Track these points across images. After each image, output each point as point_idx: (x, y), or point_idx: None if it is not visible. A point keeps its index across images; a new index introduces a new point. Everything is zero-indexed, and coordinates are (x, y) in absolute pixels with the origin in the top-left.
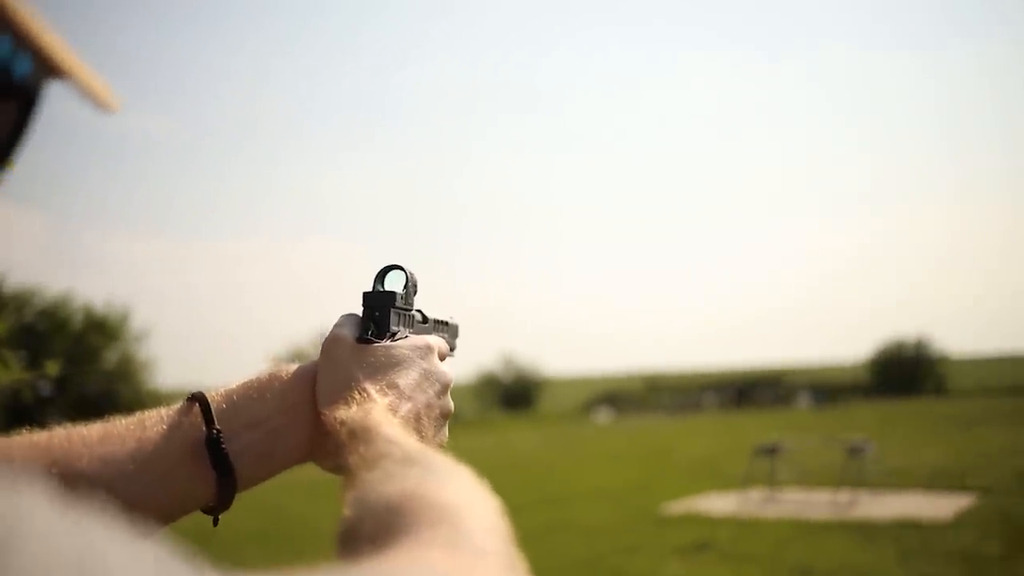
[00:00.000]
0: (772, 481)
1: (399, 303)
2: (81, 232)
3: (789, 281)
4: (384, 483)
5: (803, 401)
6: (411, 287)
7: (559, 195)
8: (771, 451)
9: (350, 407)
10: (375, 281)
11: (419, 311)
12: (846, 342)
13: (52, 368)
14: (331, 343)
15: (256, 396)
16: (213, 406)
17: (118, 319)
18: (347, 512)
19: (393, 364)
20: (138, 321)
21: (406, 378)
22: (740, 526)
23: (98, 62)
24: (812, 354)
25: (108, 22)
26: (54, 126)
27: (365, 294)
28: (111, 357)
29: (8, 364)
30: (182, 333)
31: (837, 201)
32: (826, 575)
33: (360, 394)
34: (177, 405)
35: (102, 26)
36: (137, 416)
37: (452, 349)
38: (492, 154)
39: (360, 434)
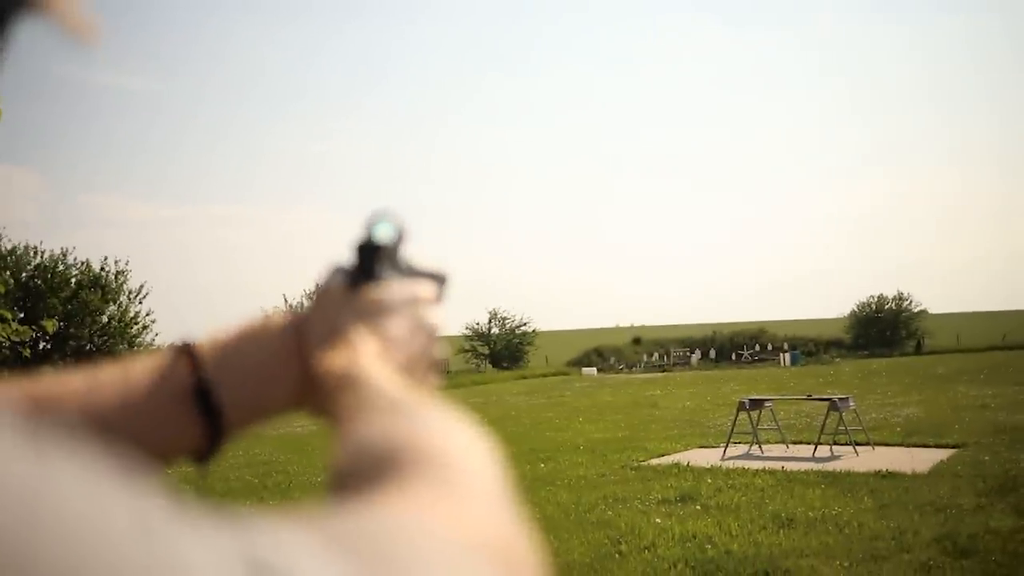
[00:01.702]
0: (754, 436)
1: (387, 252)
2: (78, 193)
3: (777, 243)
4: (373, 429)
5: (785, 358)
6: (400, 236)
7: (548, 156)
8: (754, 406)
9: (339, 354)
10: (365, 230)
11: (407, 260)
12: (833, 305)
13: (50, 325)
14: (322, 292)
15: (247, 344)
16: (203, 354)
17: (114, 278)
18: (336, 460)
19: (382, 311)
20: (134, 280)
21: (396, 326)
22: (723, 478)
23: (108, 29)
24: (793, 312)
25: None
26: (51, 87)
27: (356, 244)
28: (107, 315)
29: (6, 320)
30: (177, 292)
31: (830, 165)
32: (806, 525)
33: (349, 341)
34: (166, 353)
35: None
36: (124, 365)
37: (440, 299)
38: (479, 118)
39: (348, 382)
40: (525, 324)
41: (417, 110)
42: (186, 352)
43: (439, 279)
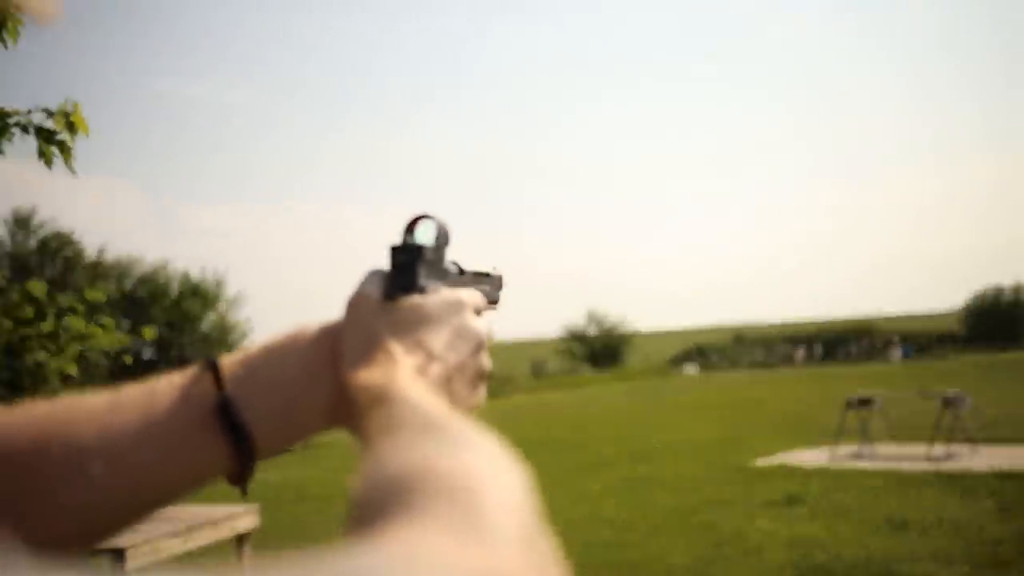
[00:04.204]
0: (864, 435)
1: (428, 256)
2: (177, 202)
3: (879, 230)
4: (398, 452)
5: (895, 353)
6: (442, 238)
7: (642, 150)
8: (863, 404)
9: (373, 369)
10: (404, 233)
11: (454, 263)
12: (939, 291)
13: (149, 333)
14: (356, 300)
15: (275, 359)
16: (228, 371)
17: (213, 285)
18: (358, 484)
19: (421, 321)
20: (233, 287)
21: (436, 337)
22: (832, 480)
23: (177, 37)
24: (903, 305)
25: (192, 4)
26: (144, 101)
27: (392, 248)
28: (207, 322)
29: (108, 329)
30: (277, 297)
31: (926, 148)
32: (922, 528)
33: (384, 355)
34: (190, 371)
35: (190, 8)
36: (147, 384)
37: (494, 302)
38: (567, 113)
39: (381, 398)
40: (623, 323)
41: (501, 105)
42: (210, 369)
43: (492, 281)
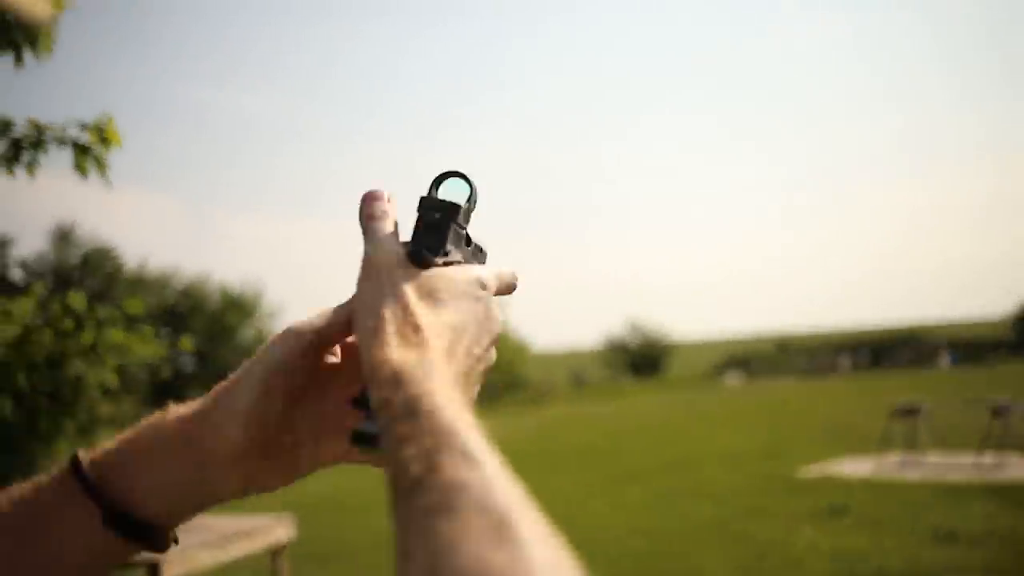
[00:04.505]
0: (911, 444)
1: (459, 218)
2: (213, 211)
3: (926, 236)
4: (451, 534)
5: (943, 361)
6: (473, 203)
7: (680, 155)
8: (910, 412)
9: (399, 346)
10: (430, 189)
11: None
12: (988, 298)
13: (187, 344)
14: (378, 258)
15: (143, 436)
16: (97, 455)
17: (252, 296)
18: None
19: (451, 297)
20: (272, 297)
21: (462, 321)
22: (877, 490)
23: (214, 49)
24: (951, 311)
25: (221, 12)
26: (179, 114)
27: (422, 200)
28: (247, 333)
29: (147, 339)
30: (314, 305)
31: (975, 150)
32: (970, 540)
33: (412, 330)
34: (63, 462)
35: (219, 16)
36: (33, 479)
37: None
38: (602, 120)
39: (408, 389)
40: (664, 332)
41: (532, 111)
42: (74, 458)
43: (481, 258)
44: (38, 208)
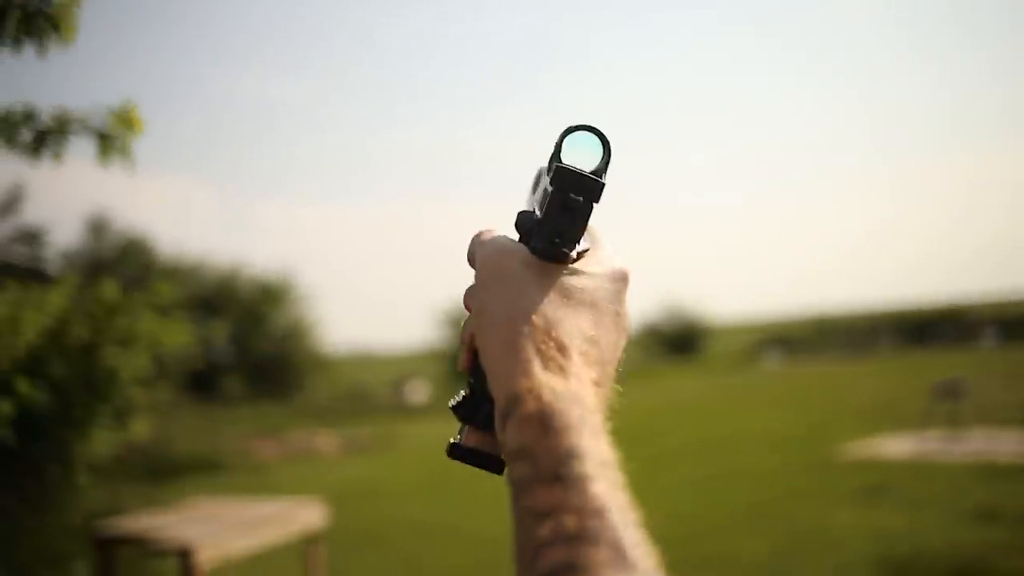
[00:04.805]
0: (953, 422)
1: (596, 190)
2: (246, 201)
3: (969, 209)
4: None
5: (987, 338)
6: (606, 167)
7: (716, 128)
8: (951, 389)
9: (542, 369)
10: (556, 149)
11: None
12: None
13: (218, 331)
14: (496, 258)
15: None
16: None
17: (286, 284)
18: None
19: (593, 303)
20: (305, 284)
21: (606, 328)
22: (918, 470)
23: (245, 36)
24: (996, 287)
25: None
26: (210, 102)
27: (559, 169)
28: (281, 321)
29: (178, 328)
30: (348, 294)
31: (1017, 124)
32: (1015, 520)
33: (555, 352)
34: None
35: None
36: None
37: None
38: (632, 98)
39: (558, 458)
40: (700, 313)
41: (567, 97)
42: None
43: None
44: (73, 195)
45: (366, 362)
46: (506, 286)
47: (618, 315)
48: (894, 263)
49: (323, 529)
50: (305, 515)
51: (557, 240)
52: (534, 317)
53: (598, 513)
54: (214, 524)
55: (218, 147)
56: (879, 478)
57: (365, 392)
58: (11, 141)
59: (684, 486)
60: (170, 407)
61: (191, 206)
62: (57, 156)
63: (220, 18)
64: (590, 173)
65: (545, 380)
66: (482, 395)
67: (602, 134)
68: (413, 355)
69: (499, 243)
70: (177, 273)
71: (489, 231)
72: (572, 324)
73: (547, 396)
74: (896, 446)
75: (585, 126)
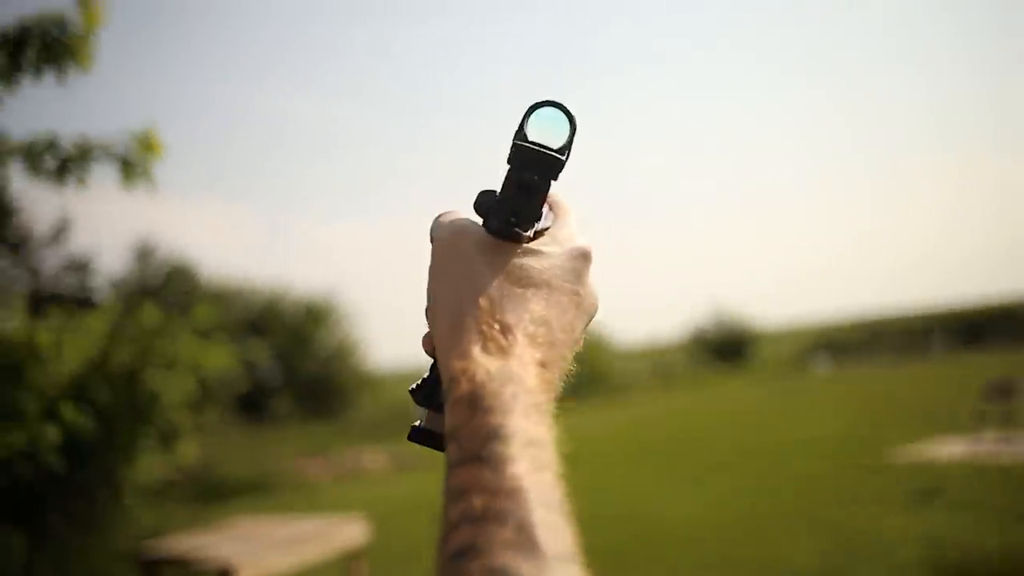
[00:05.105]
0: (1007, 423)
1: (557, 167)
2: (289, 221)
3: (1020, 205)
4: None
5: None
6: (572, 140)
7: (763, 128)
8: (1004, 389)
9: (481, 349)
10: (521, 127)
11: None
12: None
13: (262, 353)
14: (449, 239)
15: None
16: None
17: (330, 304)
18: None
19: (545, 282)
20: (348, 303)
21: (560, 308)
22: (971, 472)
23: (278, 52)
24: None
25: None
26: (247, 123)
27: (516, 146)
28: (326, 341)
29: (220, 351)
30: (390, 311)
31: None
32: None
33: (500, 331)
34: None
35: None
36: None
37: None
38: (672, 102)
39: (480, 437)
40: (748, 319)
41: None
42: None
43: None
44: (121, 222)
45: (411, 379)
46: (457, 267)
47: (576, 294)
48: (945, 262)
49: (364, 546)
50: (346, 532)
51: (513, 219)
52: (480, 299)
53: (510, 494)
54: (255, 543)
55: (259, 169)
56: (932, 481)
57: (411, 409)
58: (36, 169)
59: (734, 492)
60: (218, 429)
61: (237, 230)
62: (81, 182)
63: (265, 41)
64: (554, 150)
65: (482, 361)
66: (439, 378)
67: (567, 110)
68: None
69: (455, 224)
70: (222, 297)
71: (449, 212)
72: (520, 305)
73: (480, 376)
74: (949, 448)
75: (551, 102)
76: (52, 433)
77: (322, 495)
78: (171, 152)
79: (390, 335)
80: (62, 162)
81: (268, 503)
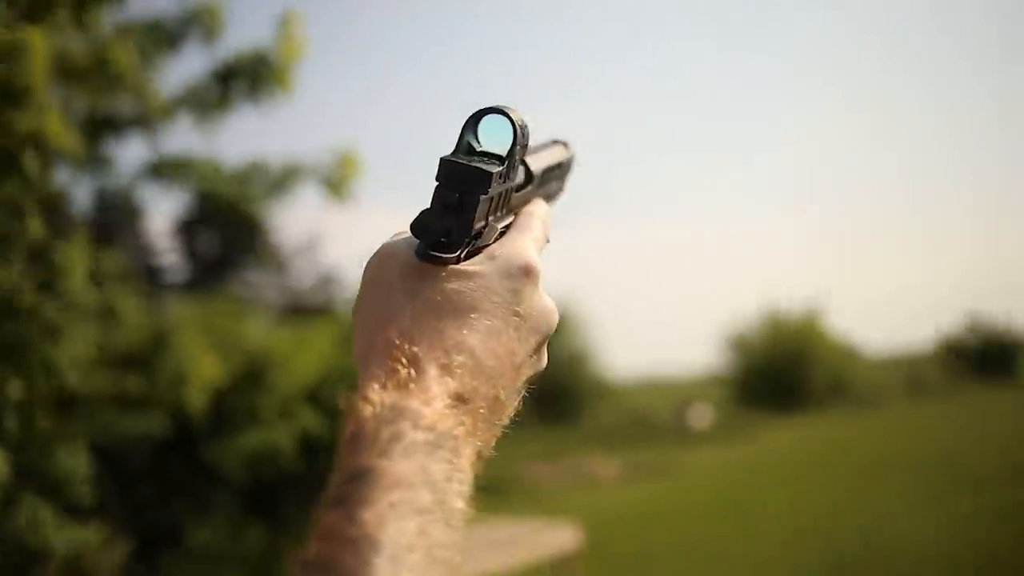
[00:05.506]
0: None
1: (495, 184)
2: None
3: None
4: None
5: None
6: (519, 148)
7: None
8: None
9: (382, 384)
10: (462, 136)
11: (523, 162)
12: None
13: None
14: (379, 261)
15: None
16: None
17: (569, 311)
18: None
19: (475, 305)
20: (587, 310)
21: (493, 332)
22: None
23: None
24: None
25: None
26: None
27: (442, 163)
28: (565, 348)
29: None
30: (630, 318)
31: None
32: None
33: (408, 363)
34: None
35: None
36: None
37: (556, 195)
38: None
39: (345, 480)
40: (1012, 327)
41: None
42: None
43: (561, 169)
44: (367, 235)
45: (650, 387)
46: (376, 295)
47: (515, 315)
48: None
49: (576, 551)
50: (557, 537)
51: (443, 240)
52: (390, 330)
53: (352, 543)
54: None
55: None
56: None
57: (647, 417)
58: (247, 194)
59: (985, 515)
60: None
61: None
62: (290, 201)
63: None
64: (478, 166)
65: (373, 398)
66: None
67: (509, 115)
68: (696, 379)
69: (386, 247)
70: None
71: (398, 232)
72: (435, 334)
73: (364, 415)
74: None
75: (493, 108)
76: (283, 438)
77: (548, 500)
78: (401, 165)
79: (630, 342)
80: (271, 185)
81: (494, 506)
